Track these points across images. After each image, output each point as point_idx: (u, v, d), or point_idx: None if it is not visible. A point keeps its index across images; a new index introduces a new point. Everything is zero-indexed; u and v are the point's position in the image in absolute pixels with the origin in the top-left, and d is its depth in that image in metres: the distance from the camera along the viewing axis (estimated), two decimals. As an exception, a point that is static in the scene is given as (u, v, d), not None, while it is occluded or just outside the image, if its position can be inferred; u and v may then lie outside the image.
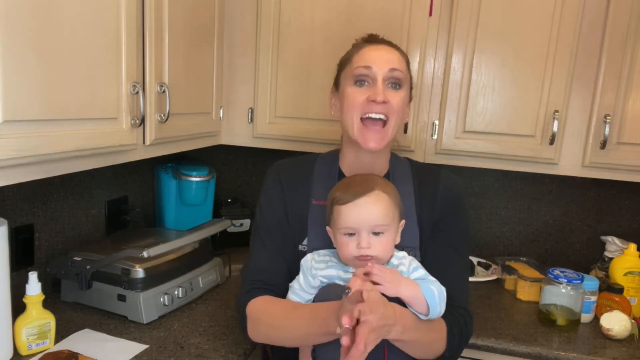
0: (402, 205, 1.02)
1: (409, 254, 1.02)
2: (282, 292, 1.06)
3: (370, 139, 1.01)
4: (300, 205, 1.10)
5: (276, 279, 1.07)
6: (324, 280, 0.98)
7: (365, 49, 1.05)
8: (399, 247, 1.04)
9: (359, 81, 1.03)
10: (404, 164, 1.16)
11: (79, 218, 1.55)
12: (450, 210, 1.10)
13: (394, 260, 0.99)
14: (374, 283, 0.86)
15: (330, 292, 0.95)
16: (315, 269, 0.99)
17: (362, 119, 1.02)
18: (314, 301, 1.00)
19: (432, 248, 1.08)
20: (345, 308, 0.81)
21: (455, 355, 1.03)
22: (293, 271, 1.06)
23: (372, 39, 1.09)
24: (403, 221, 1.01)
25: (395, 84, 1.03)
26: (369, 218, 0.93)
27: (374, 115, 1.01)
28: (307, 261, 1.01)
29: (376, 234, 0.94)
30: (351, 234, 0.94)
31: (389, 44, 1.08)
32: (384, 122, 1.02)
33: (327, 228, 1.01)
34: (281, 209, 1.12)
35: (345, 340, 0.78)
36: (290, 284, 1.04)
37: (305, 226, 1.09)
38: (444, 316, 0.97)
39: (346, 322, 0.77)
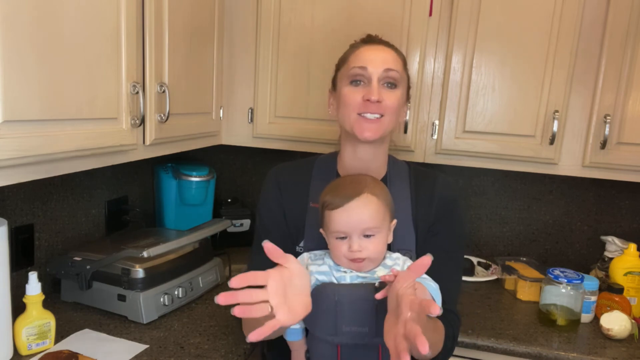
0: (395, 205, 1.02)
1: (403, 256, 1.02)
2: None
3: (366, 129, 1.02)
4: (298, 208, 1.11)
5: None
6: (319, 278, 0.98)
7: (362, 49, 1.06)
8: (394, 249, 1.04)
9: (355, 81, 1.03)
10: (401, 167, 1.16)
11: (79, 218, 1.55)
12: (445, 214, 1.10)
13: (387, 261, 0.99)
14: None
15: (323, 292, 0.95)
16: (311, 267, 0.99)
17: (358, 114, 1.03)
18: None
19: (424, 251, 1.07)
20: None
21: (446, 358, 1.04)
22: None
23: (369, 40, 1.09)
24: (395, 221, 1.01)
25: (391, 83, 1.03)
26: (359, 222, 0.93)
27: (369, 116, 1.01)
28: (303, 259, 1.02)
29: (367, 236, 0.94)
30: (343, 237, 0.95)
31: (386, 44, 1.08)
32: (380, 116, 1.02)
33: (321, 230, 1.02)
34: (279, 211, 1.13)
35: None
36: None
37: (303, 228, 1.09)
38: (440, 318, 0.98)
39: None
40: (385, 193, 0.98)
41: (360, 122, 1.02)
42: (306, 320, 0.97)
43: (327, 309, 0.92)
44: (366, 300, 0.91)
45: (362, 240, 0.94)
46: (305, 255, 1.03)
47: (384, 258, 0.99)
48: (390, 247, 1.04)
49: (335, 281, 0.97)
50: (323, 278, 0.98)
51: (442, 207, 1.10)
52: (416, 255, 1.07)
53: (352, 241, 0.93)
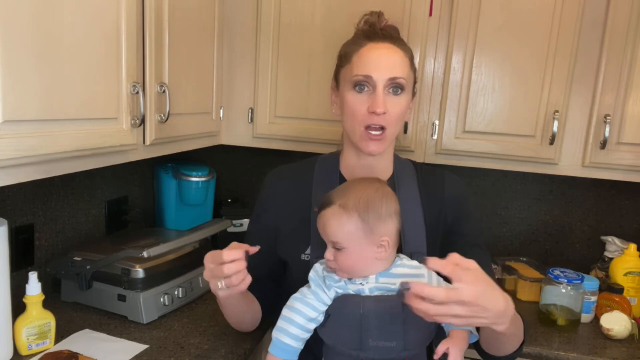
0: (404, 205, 0.98)
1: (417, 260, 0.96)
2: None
3: (371, 144, 1.00)
4: (300, 214, 1.07)
5: None
6: (338, 291, 0.93)
7: (366, 48, 1.00)
8: (406, 252, 0.99)
9: (359, 86, 0.99)
10: (407, 166, 1.13)
11: (79, 218, 1.55)
12: (463, 212, 1.09)
13: (405, 270, 0.92)
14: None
15: (347, 304, 0.91)
16: (328, 279, 0.93)
17: (365, 128, 1.00)
18: (329, 312, 0.93)
19: (460, 252, 1.01)
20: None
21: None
22: (297, 280, 1.00)
23: (373, 33, 1.02)
24: (386, 238, 0.90)
25: (397, 88, 0.99)
26: (323, 233, 0.92)
27: (373, 132, 0.99)
28: (317, 272, 0.96)
29: (337, 248, 0.91)
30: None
31: (391, 39, 1.01)
32: (383, 128, 1.00)
33: None
34: (268, 223, 1.12)
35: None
36: (295, 296, 0.96)
37: (308, 234, 1.05)
38: None
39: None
40: (364, 208, 0.88)
41: (366, 138, 1.00)
42: (325, 333, 0.93)
43: (351, 322, 0.89)
44: (394, 313, 0.87)
45: (334, 250, 0.91)
46: (317, 267, 0.96)
47: (399, 265, 0.92)
48: (401, 250, 1.00)
49: (351, 291, 0.92)
50: (340, 291, 0.92)
51: (455, 205, 1.09)
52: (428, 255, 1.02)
53: (327, 249, 0.92)
